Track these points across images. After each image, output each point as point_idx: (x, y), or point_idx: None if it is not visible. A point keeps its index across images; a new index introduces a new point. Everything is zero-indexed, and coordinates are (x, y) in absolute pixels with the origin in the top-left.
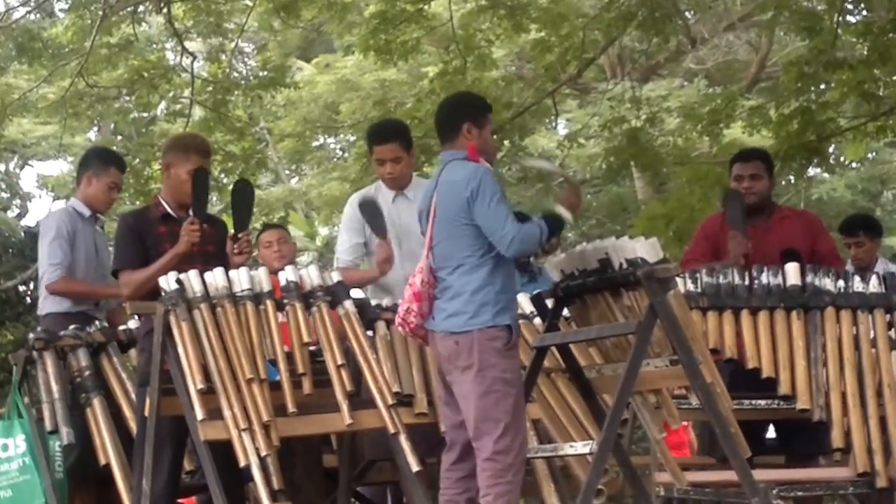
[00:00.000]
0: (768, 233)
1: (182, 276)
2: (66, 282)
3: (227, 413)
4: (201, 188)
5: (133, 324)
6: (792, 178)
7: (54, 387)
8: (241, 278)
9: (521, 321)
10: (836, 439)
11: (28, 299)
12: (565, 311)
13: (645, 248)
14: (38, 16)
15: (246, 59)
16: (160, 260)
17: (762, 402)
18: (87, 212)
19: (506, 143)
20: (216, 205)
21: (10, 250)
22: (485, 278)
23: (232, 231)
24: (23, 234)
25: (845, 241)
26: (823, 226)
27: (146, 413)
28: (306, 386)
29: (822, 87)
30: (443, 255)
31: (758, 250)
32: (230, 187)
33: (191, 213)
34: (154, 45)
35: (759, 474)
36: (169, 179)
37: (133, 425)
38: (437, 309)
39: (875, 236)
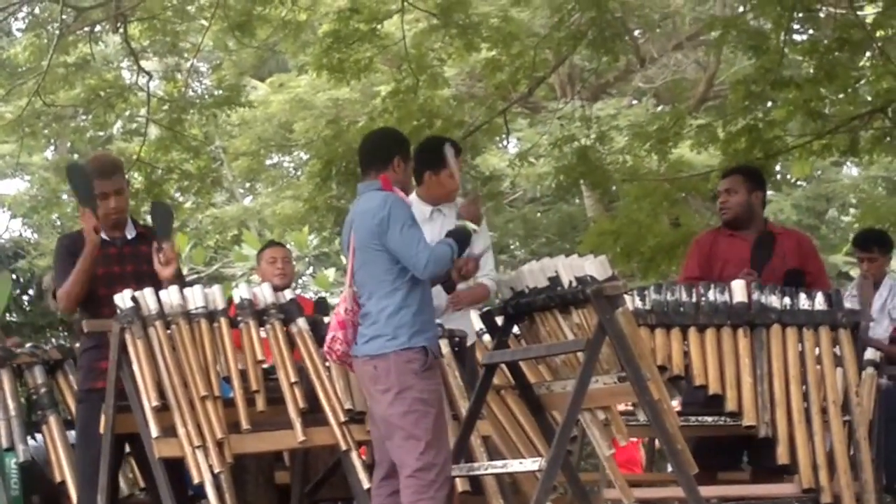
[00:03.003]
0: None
1: (137, 293)
2: None
3: (181, 430)
4: (77, 181)
5: None
6: None
7: (10, 404)
8: (196, 296)
9: (472, 339)
10: (782, 455)
11: None
12: (515, 329)
13: (594, 266)
14: None
15: (201, 79)
16: (77, 265)
17: (709, 419)
18: None
19: None
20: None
21: None
22: (400, 302)
23: (155, 244)
24: None
25: (858, 256)
26: (814, 247)
27: (99, 429)
28: (260, 403)
29: (769, 105)
30: (361, 283)
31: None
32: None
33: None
34: (110, 65)
35: (711, 490)
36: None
37: None
38: (359, 335)
39: (887, 252)
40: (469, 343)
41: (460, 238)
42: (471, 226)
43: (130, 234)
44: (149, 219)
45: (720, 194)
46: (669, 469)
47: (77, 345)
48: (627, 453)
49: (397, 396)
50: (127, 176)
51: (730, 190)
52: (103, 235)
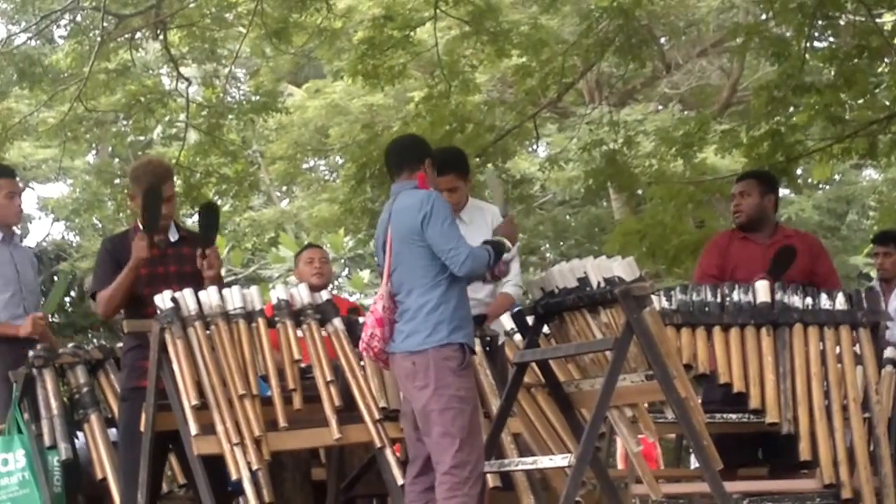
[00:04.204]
0: (770, 250)
1: (177, 294)
2: None
3: (219, 428)
4: (151, 206)
5: None
6: None
7: (53, 403)
8: (234, 297)
9: (503, 338)
10: (804, 451)
11: None
12: (545, 328)
13: (622, 267)
14: (38, 42)
15: (239, 85)
16: (119, 276)
17: (733, 416)
18: None
19: (489, 165)
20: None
21: None
22: (439, 298)
23: (200, 249)
24: None
25: (875, 251)
26: (823, 248)
27: (140, 427)
28: (296, 401)
29: (791, 110)
30: (400, 280)
31: (761, 268)
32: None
33: (140, 228)
34: (150, 71)
35: (735, 486)
36: (134, 207)
37: None
38: (396, 331)
39: None
40: (498, 343)
41: (497, 249)
42: (507, 243)
43: (173, 236)
44: (189, 221)
45: (734, 197)
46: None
47: (118, 345)
48: (644, 450)
49: (435, 393)
50: None
51: (743, 193)
52: None
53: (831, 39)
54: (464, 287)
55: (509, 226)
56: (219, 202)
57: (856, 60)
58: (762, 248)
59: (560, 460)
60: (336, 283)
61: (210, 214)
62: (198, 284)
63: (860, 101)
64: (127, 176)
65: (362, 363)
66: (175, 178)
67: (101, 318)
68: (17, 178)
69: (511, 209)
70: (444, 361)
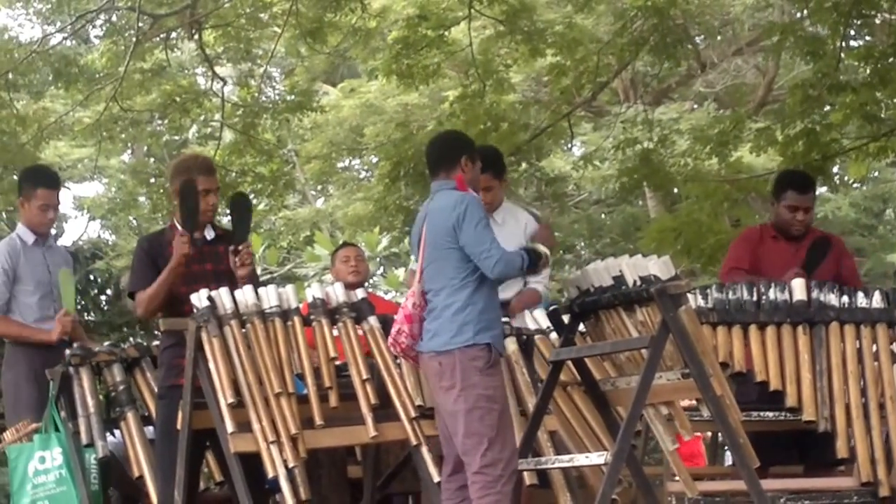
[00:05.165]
0: (801, 250)
1: (213, 293)
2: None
3: (256, 426)
4: (189, 201)
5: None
6: None
7: (90, 401)
8: (270, 295)
9: (537, 336)
10: (841, 450)
11: None
12: (581, 327)
13: (657, 266)
14: (74, 42)
15: (274, 84)
16: (160, 276)
17: (770, 414)
18: (30, 238)
19: (523, 164)
20: None
21: None
22: (467, 299)
23: (233, 246)
24: None
25: None
26: (847, 249)
27: (176, 425)
28: (332, 399)
29: (826, 109)
30: (430, 279)
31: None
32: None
33: (179, 226)
34: (186, 71)
35: (771, 484)
36: (174, 203)
37: None
38: (424, 330)
39: None
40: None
41: (532, 256)
42: (543, 249)
43: (210, 234)
44: (224, 220)
45: (797, 210)
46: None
47: (154, 343)
48: (690, 447)
49: (461, 393)
50: None
51: (809, 209)
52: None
53: (867, 38)
54: (493, 289)
55: (546, 232)
56: (254, 201)
57: (891, 59)
58: (793, 247)
59: (596, 458)
60: (371, 281)
61: (240, 207)
62: (234, 282)
63: (895, 100)
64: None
65: (398, 361)
66: None
67: (141, 317)
68: (58, 189)
69: (545, 209)
70: (471, 362)
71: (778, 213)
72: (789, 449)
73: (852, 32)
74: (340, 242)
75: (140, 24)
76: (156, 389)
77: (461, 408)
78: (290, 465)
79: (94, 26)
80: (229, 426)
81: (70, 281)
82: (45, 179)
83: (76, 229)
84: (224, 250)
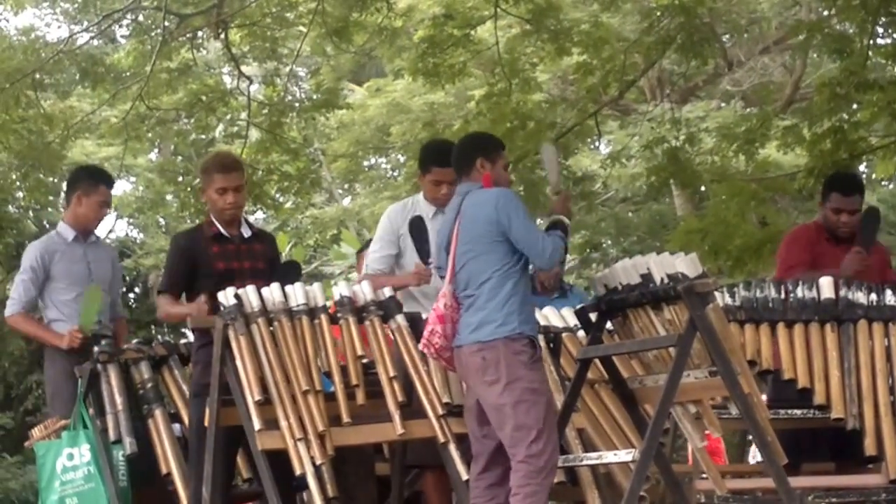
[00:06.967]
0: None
1: (240, 291)
2: (17, 319)
3: (283, 423)
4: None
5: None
6: None
7: (118, 398)
8: (297, 294)
9: (565, 334)
10: (869, 447)
11: None
12: (608, 325)
13: (685, 264)
14: (100, 42)
15: (300, 83)
16: (183, 311)
17: (798, 412)
18: (70, 234)
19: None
20: (270, 222)
21: None
22: (511, 290)
23: None
24: None
25: None
26: (889, 258)
27: (206, 423)
28: (360, 397)
29: (854, 107)
30: (468, 275)
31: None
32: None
33: (213, 222)
34: (212, 70)
35: (799, 481)
36: (207, 201)
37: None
38: (464, 324)
39: None
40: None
41: (562, 228)
42: (565, 219)
43: (246, 233)
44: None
45: (841, 213)
46: (751, 460)
47: (182, 341)
48: (710, 445)
49: (507, 387)
50: None
51: (854, 210)
52: (223, 231)
53: (894, 36)
54: (529, 281)
55: (564, 201)
56: (281, 199)
57: None
58: (845, 248)
59: (624, 455)
60: None
61: (291, 272)
62: (269, 281)
63: None
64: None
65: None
66: None
67: (158, 317)
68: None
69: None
70: (515, 356)
71: (825, 216)
72: (818, 447)
73: (880, 30)
74: (366, 240)
75: (166, 24)
76: (183, 387)
77: (507, 401)
78: (318, 462)
79: (120, 26)
80: (256, 423)
81: (96, 298)
82: (106, 177)
83: (104, 227)
84: (260, 249)
